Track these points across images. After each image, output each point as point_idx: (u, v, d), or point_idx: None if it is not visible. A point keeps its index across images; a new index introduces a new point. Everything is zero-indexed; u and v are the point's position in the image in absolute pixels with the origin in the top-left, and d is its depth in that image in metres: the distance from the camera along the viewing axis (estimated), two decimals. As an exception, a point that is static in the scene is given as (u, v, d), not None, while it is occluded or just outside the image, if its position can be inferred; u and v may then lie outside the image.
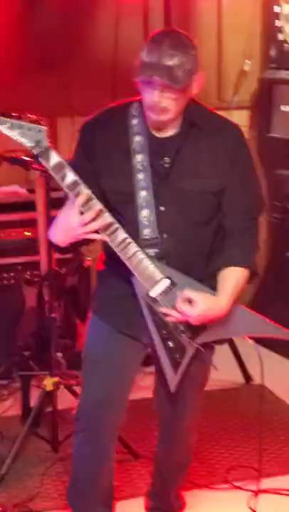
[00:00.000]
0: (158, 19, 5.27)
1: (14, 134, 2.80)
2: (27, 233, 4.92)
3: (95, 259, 5.04)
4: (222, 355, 3.31)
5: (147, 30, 5.40)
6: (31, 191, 4.91)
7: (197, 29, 5.57)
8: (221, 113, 3.14)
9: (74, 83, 5.38)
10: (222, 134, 3.02)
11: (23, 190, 5.08)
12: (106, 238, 2.89)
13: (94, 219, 2.84)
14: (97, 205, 2.85)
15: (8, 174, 5.08)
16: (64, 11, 5.34)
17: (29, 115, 2.83)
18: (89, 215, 2.83)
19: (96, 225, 2.85)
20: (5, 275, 4.95)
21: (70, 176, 2.83)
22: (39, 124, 2.83)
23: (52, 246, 3.07)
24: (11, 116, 2.80)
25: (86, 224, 2.84)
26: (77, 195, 2.83)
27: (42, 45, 5.30)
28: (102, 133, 3.03)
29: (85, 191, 2.83)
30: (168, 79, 2.77)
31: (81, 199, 2.83)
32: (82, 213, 2.84)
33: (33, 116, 2.83)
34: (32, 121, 2.81)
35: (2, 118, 2.79)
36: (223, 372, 3.68)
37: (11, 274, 4.94)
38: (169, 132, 2.99)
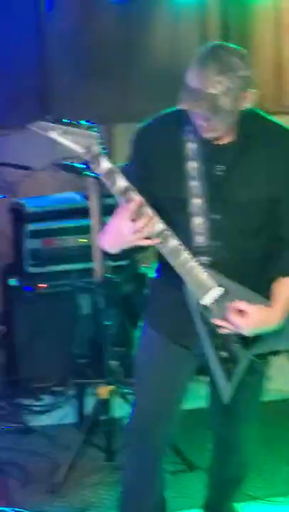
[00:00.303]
0: (215, 25, 5.24)
1: (66, 140, 2.78)
2: (82, 240, 4.89)
3: (151, 267, 5.02)
4: (279, 364, 3.24)
5: (205, 36, 5.35)
6: (87, 197, 4.90)
7: (255, 32, 5.50)
8: (280, 118, 3.06)
9: (131, 90, 5.37)
10: (278, 142, 2.95)
11: (78, 197, 5.06)
12: (157, 244, 2.85)
13: (146, 225, 2.80)
14: (148, 211, 2.80)
15: (64, 181, 5.09)
16: (121, 17, 5.32)
17: (81, 121, 2.81)
18: (141, 221, 2.79)
19: (148, 231, 2.81)
20: (60, 282, 4.93)
21: (121, 182, 2.80)
22: (91, 130, 2.80)
23: (103, 253, 3.04)
24: (62, 123, 2.78)
25: (138, 230, 2.80)
26: (128, 201, 2.80)
27: (99, 52, 5.31)
28: (156, 139, 3.00)
29: (137, 198, 2.80)
30: (210, 111, 2.74)
31: (133, 205, 2.79)
32: (133, 220, 2.80)
33: (85, 123, 2.81)
34: (84, 128, 2.79)
35: (54, 124, 2.78)
36: (281, 381, 3.61)
37: (66, 281, 4.92)
38: (225, 140, 2.93)
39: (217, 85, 2.72)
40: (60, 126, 2.78)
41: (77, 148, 2.80)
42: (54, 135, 2.78)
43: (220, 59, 2.75)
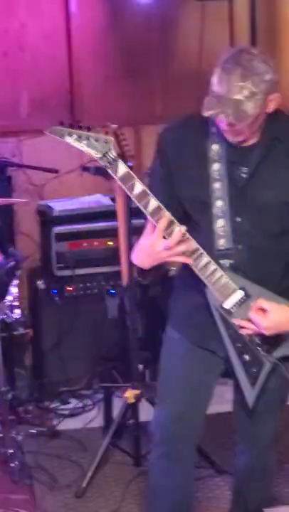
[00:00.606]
0: (243, 25, 5.21)
1: (82, 145, 2.80)
2: (110, 243, 4.87)
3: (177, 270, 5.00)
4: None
5: (233, 37, 5.34)
6: (114, 200, 4.89)
7: (283, 32, 5.45)
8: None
9: (158, 91, 5.36)
10: None
11: (105, 200, 5.04)
12: (190, 261, 2.85)
13: (179, 243, 2.81)
14: (180, 228, 2.80)
15: (92, 183, 5.08)
16: (148, 19, 5.31)
17: (97, 127, 2.83)
18: (174, 239, 2.80)
19: (182, 248, 2.81)
20: (88, 285, 4.92)
21: (139, 187, 2.81)
22: (106, 134, 2.80)
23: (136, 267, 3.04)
24: (78, 128, 2.79)
25: (171, 248, 2.80)
26: (146, 204, 2.79)
27: (126, 53, 5.31)
28: (180, 140, 2.99)
29: (166, 214, 2.79)
30: (234, 117, 2.73)
31: (163, 223, 2.79)
32: (165, 237, 2.81)
33: (100, 128, 2.82)
34: (99, 133, 2.79)
35: (70, 130, 2.80)
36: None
37: (94, 283, 4.90)
38: (250, 142, 2.92)
39: (241, 91, 2.70)
40: (75, 131, 2.79)
41: (93, 154, 2.81)
42: (70, 140, 2.80)
43: (244, 64, 2.73)
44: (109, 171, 2.82)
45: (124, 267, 4.49)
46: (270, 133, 2.90)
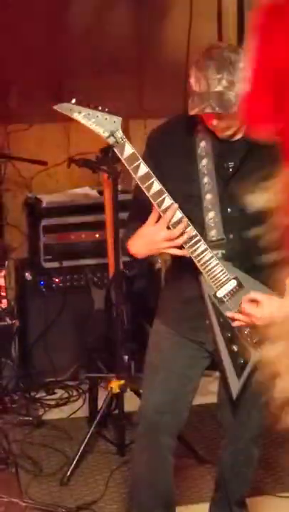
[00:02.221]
0: (232, 19, 5.24)
1: (90, 123, 2.83)
2: (97, 235, 4.92)
3: (165, 262, 5.04)
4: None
5: (221, 32, 5.36)
6: (101, 193, 4.93)
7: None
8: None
9: (146, 86, 5.38)
10: None
11: (93, 193, 5.08)
12: (187, 253, 2.90)
13: (181, 234, 2.86)
14: (184, 219, 2.86)
15: (80, 176, 5.12)
16: (137, 12, 5.33)
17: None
18: (178, 230, 2.85)
19: (183, 239, 2.86)
20: (74, 277, 4.96)
21: (143, 168, 2.86)
22: (115, 114, 2.84)
23: (129, 256, 3.07)
24: (87, 106, 2.82)
25: (172, 239, 2.84)
26: (150, 186, 2.85)
27: (115, 47, 5.31)
28: (169, 140, 3.06)
29: (173, 206, 2.85)
30: (220, 108, 2.79)
31: (170, 214, 2.84)
32: (169, 228, 2.86)
33: (108, 108, 2.85)
34: (109, 112, 2.83)
35: (80, 107, 2.82)
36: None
37: (80, 276, 4.95)
38: (236, 137, 2.99)
39: (220, 82, 2.77)
40: (84, 108, 2.82)
41: (101, 132, 2.84)
42: (79, 117, 2.83)
43: (215, 58, 2.81)
44: (116, 150, 2.86)
45: (110, 259, 4.54)
46: None
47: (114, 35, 5.29)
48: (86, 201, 5.02)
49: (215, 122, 2.87)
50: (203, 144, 3.00)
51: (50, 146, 4.90)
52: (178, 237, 2.86)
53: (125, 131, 5.23)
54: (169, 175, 2.98)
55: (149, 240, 2.91)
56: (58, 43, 5.24)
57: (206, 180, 2.98)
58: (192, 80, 2.82)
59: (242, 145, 2.98)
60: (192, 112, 2.83)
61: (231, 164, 2.99)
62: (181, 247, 2.90)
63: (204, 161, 2.98)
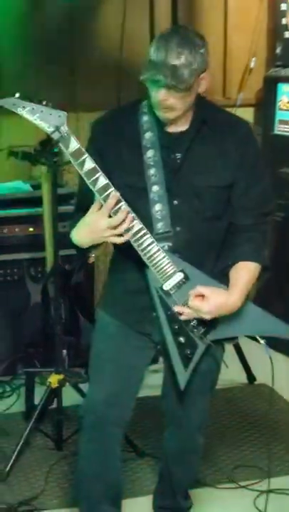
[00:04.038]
0: (164, 15, 5.26)
1: (34, 118, 2.79)
2: (31, 229, 4.87)
3: (98, 256, 5.04)
4: (226, 353, 3.29)
5: (153, 27, 5.37)
6: (34, 187, 4.89)
7: (203, 26, 5.54)
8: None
9: (79, 79, 5.36)
10: (233, 131, 3.03)
11: (26, 186, 5.04)
12: (129, 238, 2.88)
13: (122, 222, 2.83)
14: (125, 208, 2.84)
15: (11, 170, 5.06)
16: (71, 5, 5.31)
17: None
18: (118, 218, 2.83)
19: (124, 227, 2.84)
20: (9, 271, 4.91)
21: (89, 163, 2.83)
22: (60, 109, 2.82)
23: (73, 247, 3.04)
24: (32, 101, 2.79)
25: (114, 227, 2.83)
26: (95, 181, 2.82)
27: (48, 39, 5.28)
28: (113, 131, 3.04)
29: (115, 194, 2.82)
30: (172, 79, 2.77)
31: (111, 202, 2.82)
32: (110, 216, 2.83)
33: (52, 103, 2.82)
34: (53, 107, 2.80)
35: (24, 101, 2.78)
36: (226, 370, 3.67)
37: (16, 270, 4.90)
38: (180, 128, 2.99)
39: (179, 56, 2.76)
40: (29, 103, 2.78)
41: (46, 127, 2.81)
42: (23, 112, 2.79)
43: (181, 35, 2.81)
44: (61, 145, 2.83)
45: (49, 253, 4.52)
46: (200, 119, 2.99)
47: (48, 29, 5.26)
48: (19, 195, 4.96)
49: (162, 96, 2.82)
50: (148, 135, 2.99)
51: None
52: (120, 225, 2.84)
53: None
54: (113, 165, 2.97)
55: (92, 228, 2.88)
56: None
57: (152, 171, 2.96)
58: (152, 49, 2.80)
59: (187, 137, 2.98)
60: (144, 77, 2.80)
61: (179, 155, 2.98)
62: (122, 235, 2.88)
63: (150, 153, 2.97)
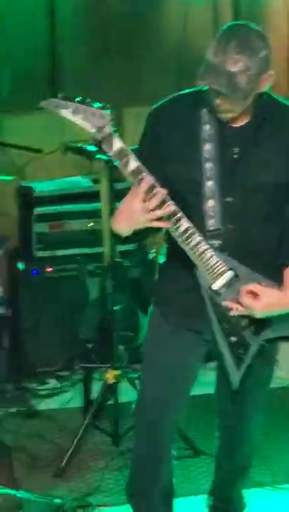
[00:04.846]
0: (227, 9, 5.22)
1: (77, 119, 2.75)
2: (91, 224, 4.87)
3: (159, 252, 5.01)
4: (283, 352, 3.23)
5: (216, 21, 5.32)
6: (95, 181, 4.88)
7: (267, 17, 5.46)
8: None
9: (141, 73, 5.34)
10: None
11: (86, 181, 5.04)
12: (169, 227, 2.82)
13: (158, 206, 2.78)
14: (160, 192, 2.78)
15: (72, 164, 5.07)
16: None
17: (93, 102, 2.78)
18: (153, 202, 2.77)
19: (159, 212, 2.78)
20: (68, 266, 4.91)
21: (133, 163, 2.78)
22: (103, 109, 2.78)
23: (114, 236, 3.01)
24: (74, 101, 2.75)
25: (149, 211, 2.78)
26: (140, 181, 2.77)
27: (110, 34, 5.27)
28: (171, 120, 2.96)
29: (148, 178, 2.77)
30: (228, 88, 2.72)
31: (144, 186, 2.76)
32: (145, 201, 2.77)
33: (98, 103, 2.78)
34: (96, 107, 2.76)
35: (66, 102, 2.75)
36: (280, 369, 3.61)
37: (75, 265, 4.90)
38: (240, 122, 2.92)
39: (236, 63, 2.70)
40: (71, 103, 2.75)
41: (89, 128, 2.77)
42: (65, 113, 2.75)
43: (241, 38, 2.73)
44: (104, 146, 2.78)
45: (106, 248, 4.50)
46: (261, 114, 2.90)
47: (111, 23, 5.26)
48: (79, 190, 4.97)
49: (218, 101, 2.79)
50: (207, 127, 2.92)
51: (44, 133, 4.84)
52: (155, 208, 2.78)
53: (119, 119, 5.27)
54: (169, 157, 2.92)
55: (128, 214, 2.83)
56: (52, 28, 5.18)
57: (208, 166, 2.89)
58: (210, 50, 2.73)
59: (246, 132, 2.92)
60: (199, 83, 2.76)
61: (236, 150, 2.91)
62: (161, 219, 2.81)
63: (208, 146, 2.90)
